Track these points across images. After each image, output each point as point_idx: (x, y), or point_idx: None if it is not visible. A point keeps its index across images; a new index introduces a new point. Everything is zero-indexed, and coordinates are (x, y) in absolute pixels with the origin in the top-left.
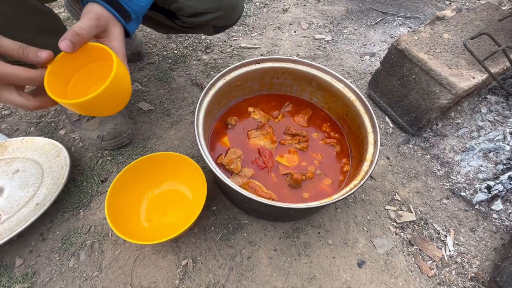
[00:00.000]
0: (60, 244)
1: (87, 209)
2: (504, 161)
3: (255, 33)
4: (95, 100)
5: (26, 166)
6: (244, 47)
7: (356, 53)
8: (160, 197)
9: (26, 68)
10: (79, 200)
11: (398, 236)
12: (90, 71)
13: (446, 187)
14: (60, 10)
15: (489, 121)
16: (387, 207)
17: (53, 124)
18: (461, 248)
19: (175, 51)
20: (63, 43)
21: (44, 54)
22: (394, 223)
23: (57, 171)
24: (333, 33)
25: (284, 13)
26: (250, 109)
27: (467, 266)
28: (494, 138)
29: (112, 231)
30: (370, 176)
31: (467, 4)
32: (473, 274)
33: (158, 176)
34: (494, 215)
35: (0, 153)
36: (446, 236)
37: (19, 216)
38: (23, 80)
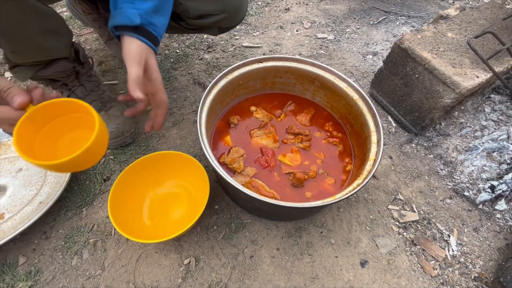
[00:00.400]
0: (63, 243)
1: (90, 208)
2: (508, 161)
3: (257, 32)
4: (62, 164)
5: (29, 164)
6: (246, 46)
7: (359, 52)
8: (162, 196)
9: (5, 109)
10: (82, 198)
11: (401, 236)
12: (67, 121)
13: (449, 186)
14: (63, 9)
15: (493, 120)
16: (390, 206)
17: None
18: (465, 248)
19: (177, 50)
20: (135, 94)
21: (17, 100)
22: (397, 223)
23: None
24: (335, 32)
25: (286, 12)
26: (253, 108)
27: (470, 266)
28: (498, 137)
29: (115, 229)
30: (373, 176)
31: (470, 2)
32: (476, 274)
33: (161, 175)
34: (498, 215)
35: (4, 151)
36: (449, 236)
37: (22, 215)
38: (2, 120)
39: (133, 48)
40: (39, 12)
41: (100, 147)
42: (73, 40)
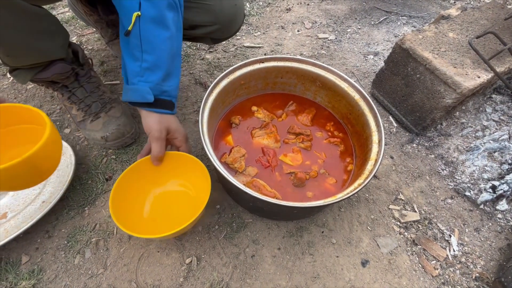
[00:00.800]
0: (65, 242)
1: (92, 207)
2: (509, 161)
3: (259, 33)
4: None
5: None
6: (248, 46)
7: (360, 52)
8: (164, 195)
9: None
10: (84, 198)
11: (402, 236)
12: (17, 133)
13: (450, 186)
14: (65, 9)
15: (494, 120)
16: (391, 206)
17: (58, 123)
18: (466, 248)
19: None
20: (155, 164)
21: None
22: (398, 223)
23: (62, 169)
24: (336, 32)
25: (287, 12)
26: (254, 108)
27: (471, 266)
28: (499, 137)
29: (117, 228)
30: (374, 176)
31: (472, 2)
32: (477, 274)
33: (162, 175)
34: (499, 215)
35: None
36: (450, 236)
37: (25, 214)
38: None
39: (152, 123)
40: (30, 13)
41: (46, 162)
42: (75, 40)
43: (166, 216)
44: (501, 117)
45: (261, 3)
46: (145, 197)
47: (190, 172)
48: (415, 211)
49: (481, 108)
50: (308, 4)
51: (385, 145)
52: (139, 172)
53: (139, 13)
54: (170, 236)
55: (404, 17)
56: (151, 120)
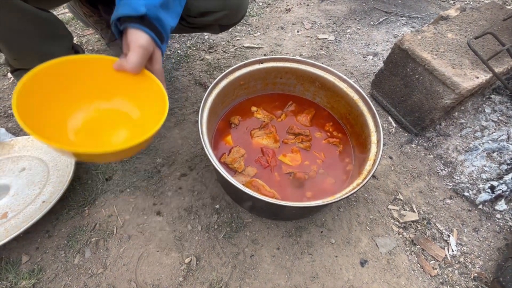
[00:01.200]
0: (65, 241)
1: (92, 207)
2: (508, 161)
3: (258, 33)
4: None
5: (32, 164)
6: (247, 47)
7: (359, 53)
8: (103, 112)
9: None
10: (84, 198)
11: (400, 236)
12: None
13: (449, 187)
14: (65, 10)
15: (493, 121)
16: (389, 206)
17: None
18: (464, 248)
19: (179, 51)
20: (115, 66)
21: None
22: (397, 223)
23: (62, 169)
24: (336, 32)
25: (287, 13)
26: (253, 108)
27: (470, 266)
28: (498, 138)
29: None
30: (373, 176)
31: (471, 3)
32: (476, 274)
33: (110, 87)
34: (498, 215)
35: (7, 151)
36: (449, 236)
37: (25, 214)
38: None
39: (139, 36)
40: (38, 18)
41: None
42: (75, 41)
43: (96, 135)
44: (500, 118)
45: (260, 4)
46: (76, 105)
47: (146, 96)
48: (414, 211)
49: (480, 109)
50: (307, 5)
51: (384, 145)
52: (84, 68)
53: None
54: (93, 157)
55: (403, 18)
56: (139, 35)
